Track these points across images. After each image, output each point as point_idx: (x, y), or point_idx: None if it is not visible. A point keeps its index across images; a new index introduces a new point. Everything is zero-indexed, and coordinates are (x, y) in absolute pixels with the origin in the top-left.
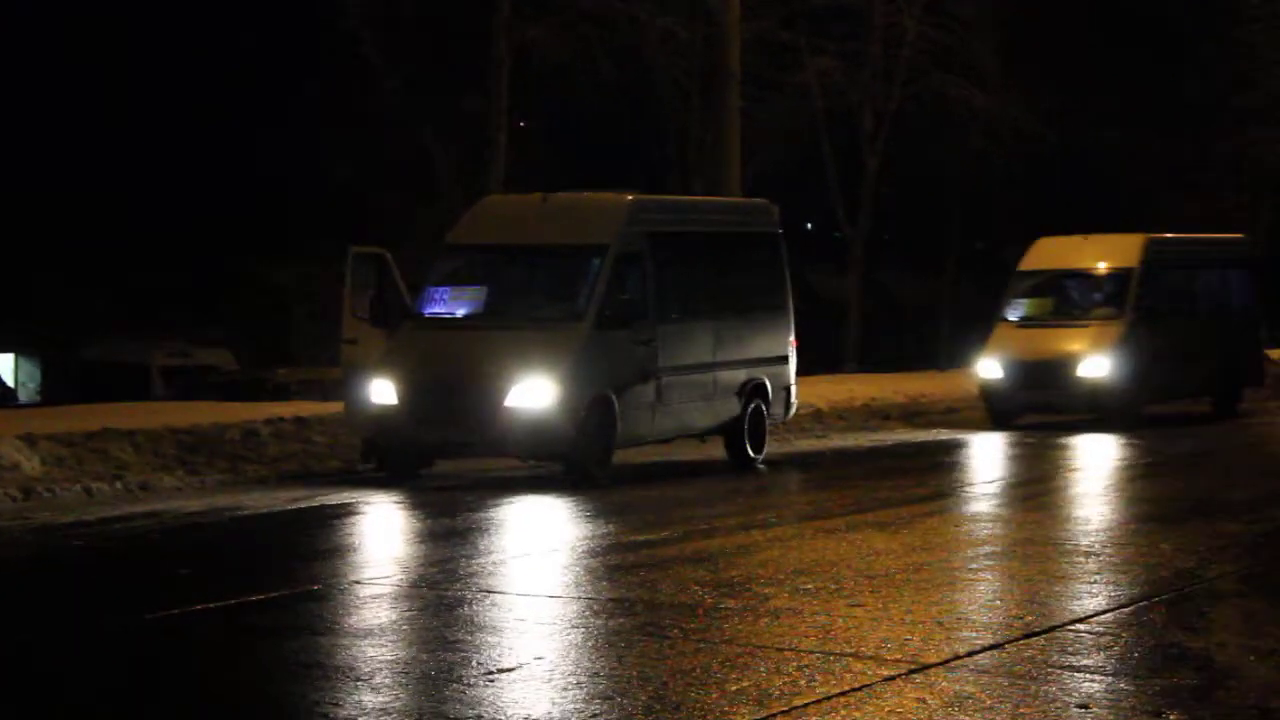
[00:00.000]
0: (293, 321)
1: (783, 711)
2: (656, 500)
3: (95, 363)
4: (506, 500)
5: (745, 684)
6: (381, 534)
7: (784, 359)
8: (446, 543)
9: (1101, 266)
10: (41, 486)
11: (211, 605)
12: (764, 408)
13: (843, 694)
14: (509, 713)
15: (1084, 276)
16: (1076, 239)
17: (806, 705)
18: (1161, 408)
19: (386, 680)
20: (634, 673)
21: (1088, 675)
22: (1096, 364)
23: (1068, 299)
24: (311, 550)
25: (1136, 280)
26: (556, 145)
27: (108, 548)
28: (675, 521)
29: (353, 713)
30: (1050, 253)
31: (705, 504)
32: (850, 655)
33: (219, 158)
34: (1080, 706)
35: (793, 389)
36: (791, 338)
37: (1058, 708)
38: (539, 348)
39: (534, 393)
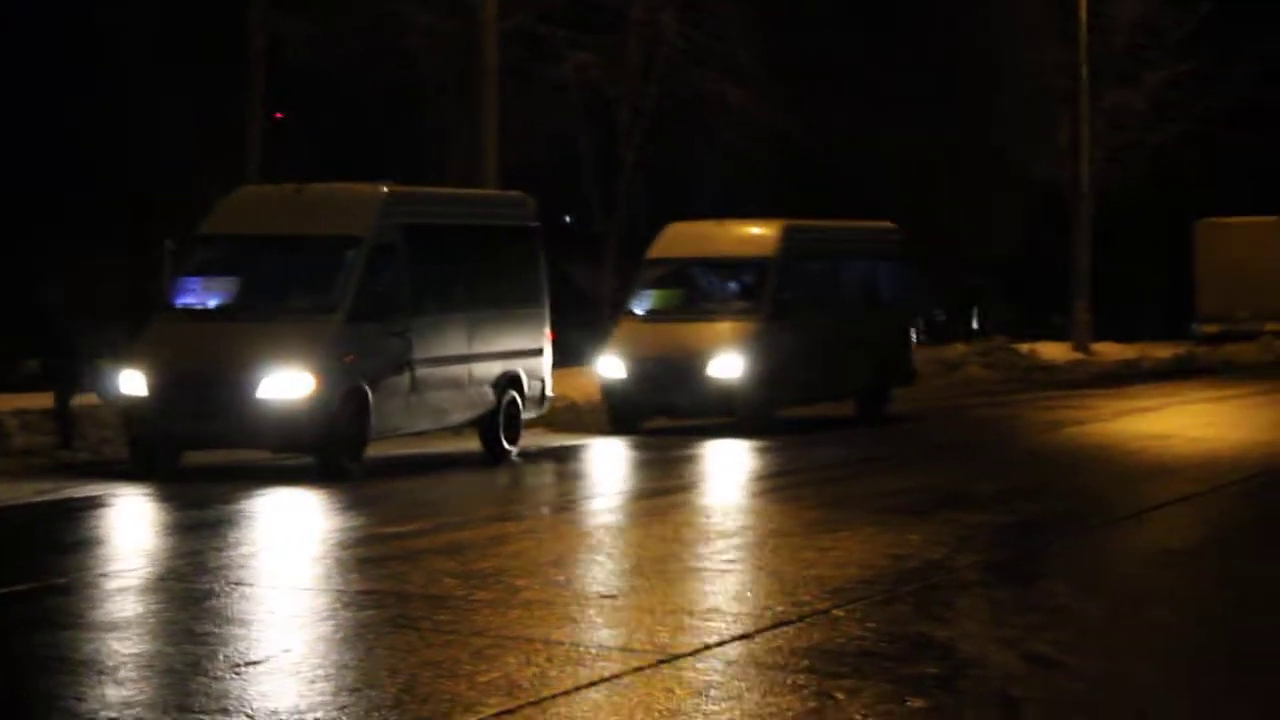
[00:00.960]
0: (48, 312)
1: (531, 703)
2: (409, 492)
3: None
4: (257, 492)
5: (495, 675)
6: (130, 527)
7: (539, 351)
8: (195, 535)
9: (736, 255)
10: None
11: None
12: (519, 400)
13: (592, 685)
14: (255, 706)
15: (718, 265)
16: (710, 224)
17: (555, 696)
18: (805, 410)
19: (131, 674)
20: (383, 665)
21: (835, 664)
22: (728, 363)
23: (699, 290)
24: (58, 543)
25: (774, 270)
26: (314, 137)
27: None
28: (427, 513)
29: (96, 706)
30: (681, 239)
31: (458, 496)
32: (600, 646)
33: None
34: (825, 695)
35: (548, 381)
36: (547, 330)
37: (804, 696)
38: (291, 339)
39: (286, 384)
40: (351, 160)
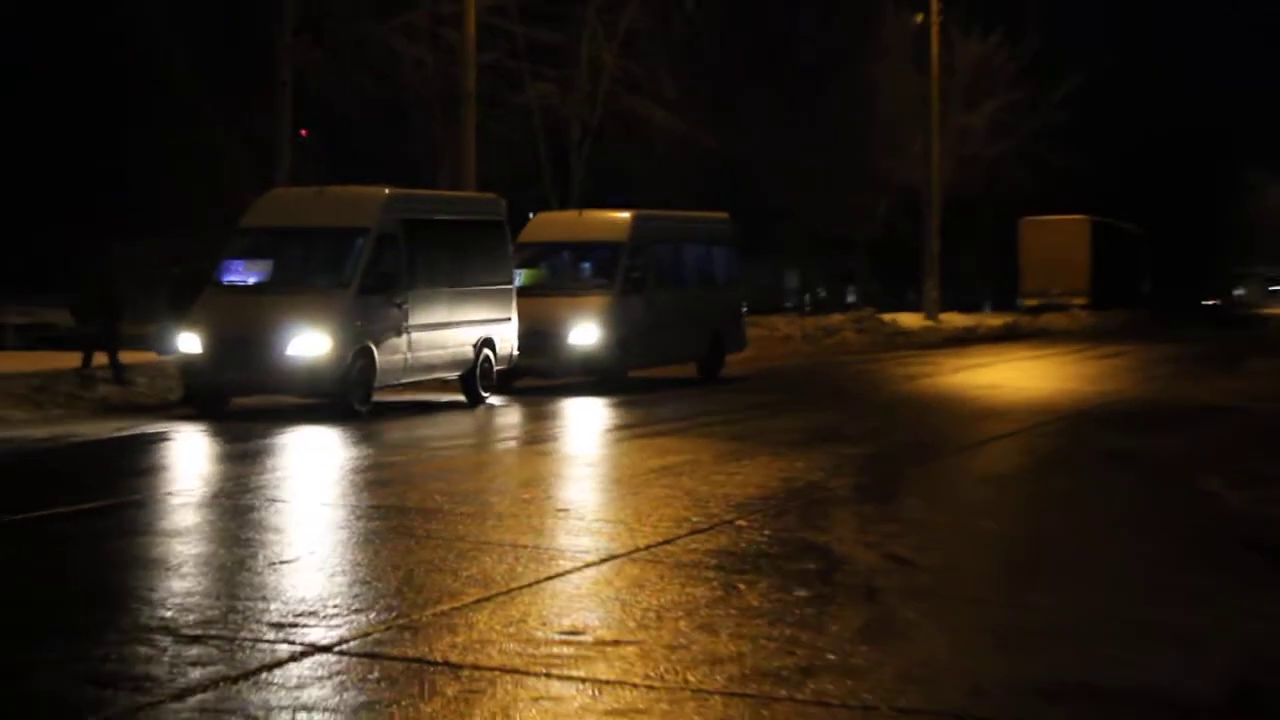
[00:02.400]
0: (120, 288)
1: (503, 592)
2: (408, 429)
3: None
4: (288, 429)
5: (474, 571)
6: (189, 456)
7: (508, 319)
8: (240, 462)
9: (593, 239)
10: None
11: (54, 511)
12: (492, 356)
13: (550, 578)
14: (288, 595)
15: (577, 248)
16: (572, 213)
17: (522, 587)
18: (653, 372)
19: (191, 570)
20: (387, 563)
21: (737, 562)
22: (586, 331)
23: (562, 270)
24: (133, 469)
25: (625, 253)
26: (332, 148)
27: None
28: (422, 446)
29: (164, 595)
30: (548, 226)
31: (446, 432)
32: (557, 549)
33: (68, 154)
34: (730, 586)
35: (514, 342)
36: (514, 303)
37: (713, 587)
38: (313, 308)
39: (309, 343)
40: (360, 169)
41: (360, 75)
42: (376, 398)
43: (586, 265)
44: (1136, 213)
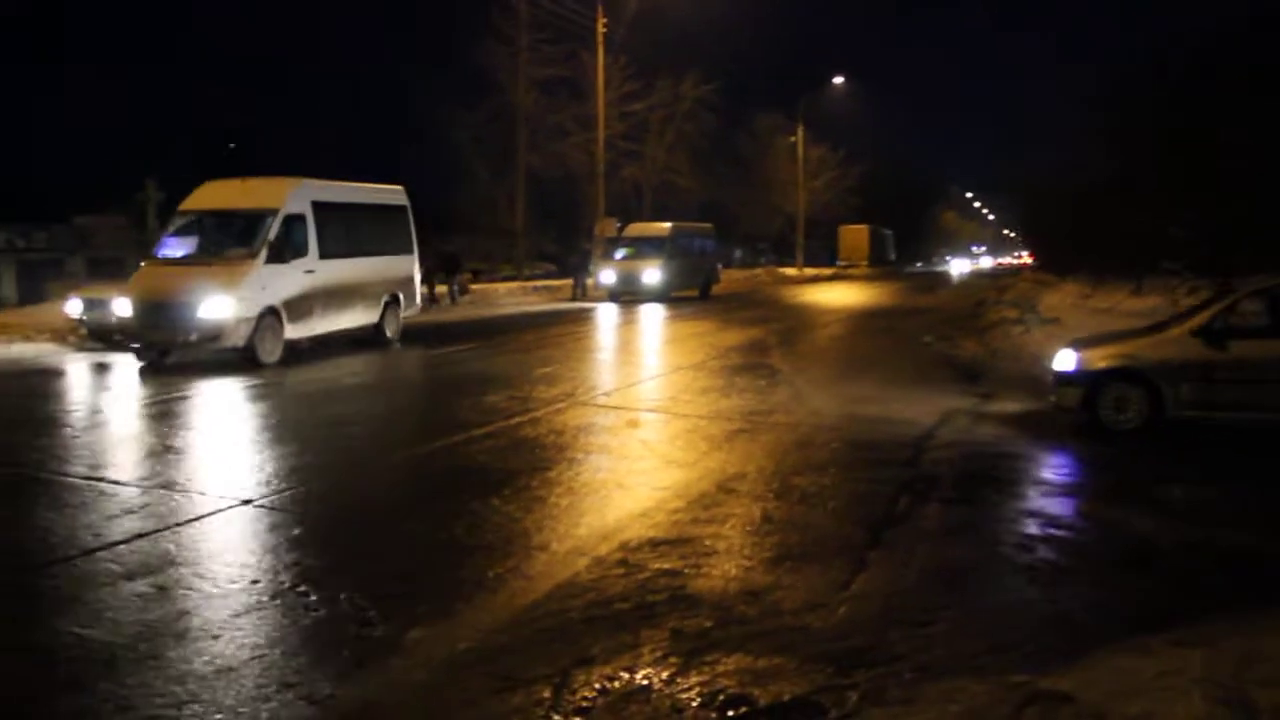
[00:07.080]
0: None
1: (636, 382)
2: (321, 365)
3: None
4: (205, 377)
5: (623, 371)
6: (134, 387)
7: (411, 278)
8: (165, 388)
9: (649, 236)
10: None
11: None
12: (399, 308)
13: (652, 378)
14: (548, 383)
15: (648, 240)
16: (654, 223)
17: (642, 381)
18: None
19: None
20: (591, 373)
21: (733, 370)
22: (652, 274)
23: (645, 249)
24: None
25: (669, 242)
26: (539, 198)
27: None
28: (335, 368)
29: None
30: (633, 230)
31: (361, 356)
32: (653, 366)
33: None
34: (731, 380)
35: (418, 293)
36: (416, 265)
37: (724, 380)
38: (224, 277)
39: (217, 307)
40: (553, 209)
41: (553, 165)
42: (310, 342)
43: (651, 248)
44: (889, 223)
